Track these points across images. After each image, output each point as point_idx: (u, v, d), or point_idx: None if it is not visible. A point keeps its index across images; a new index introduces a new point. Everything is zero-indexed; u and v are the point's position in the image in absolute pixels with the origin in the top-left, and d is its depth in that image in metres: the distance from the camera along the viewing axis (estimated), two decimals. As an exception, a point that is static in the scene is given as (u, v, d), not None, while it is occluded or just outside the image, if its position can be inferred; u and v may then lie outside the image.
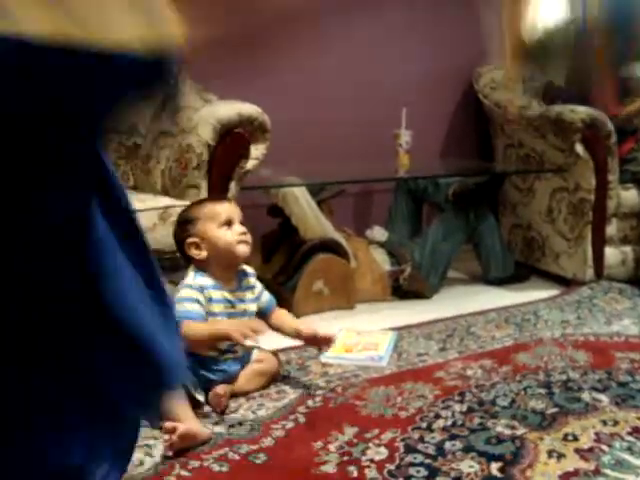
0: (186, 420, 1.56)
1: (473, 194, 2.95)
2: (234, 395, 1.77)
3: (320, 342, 1.90)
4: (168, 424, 1.52)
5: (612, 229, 2.90)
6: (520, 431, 1.60)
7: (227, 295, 1.79)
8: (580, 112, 2.79)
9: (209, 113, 2.06)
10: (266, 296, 1.93)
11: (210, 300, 1.75)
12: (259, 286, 1.91)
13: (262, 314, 1.91)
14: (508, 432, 1.59)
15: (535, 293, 2.86)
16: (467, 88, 3.61)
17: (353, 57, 3.32)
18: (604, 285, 2.87)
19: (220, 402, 1.69)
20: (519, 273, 3.08)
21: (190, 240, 1.76)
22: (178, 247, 1.83)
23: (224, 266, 1.80)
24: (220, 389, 1.70)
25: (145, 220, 1.91)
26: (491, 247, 2.98)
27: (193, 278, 1.77)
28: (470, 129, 3.66)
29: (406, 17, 3.43)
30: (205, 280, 1.76)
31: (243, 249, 1.81)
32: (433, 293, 2.86)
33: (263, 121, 2.09)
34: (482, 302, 2.74)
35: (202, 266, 1.79)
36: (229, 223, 1.77)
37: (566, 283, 2.95)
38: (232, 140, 2.05)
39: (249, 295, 1.86)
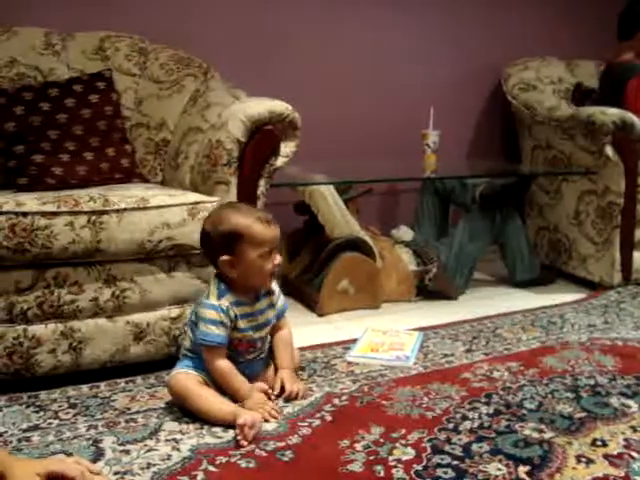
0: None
1: (500, 195, 2.93)
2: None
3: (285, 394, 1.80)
4: (246, 419, 1.54)
5: (640, 234, 2.87)
6: (548, 435, 1.58)
7: (248, 310, 1.76)
8: (611, 114, 2.76)
9: (239, 109, 2.06)
10: (281, 301, 1.88)
11: (236, 317, 1.73)
12: (277, 290, 1.86)
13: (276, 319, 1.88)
14: (536, 435, 1.58)
15: (561, 296, 2.84)
16: (495, 88, 3.60)
17: (382, 56, 3.32)
18: (632, 290, 2.84)
19: (244, 434, 1.55)
20: (545, 276, 3.06)
21: (226, 258, 1.69)
22: (208, 251, 1.77)
23: (248, 288, 1.76)
24: (244, 419, 1.55)
25: (174, 215, 1.91)
26: (517, 249, 2.96)
27: (218, 298, 1.72)
28: (497, 130, 3.65)
29: (435, 15, 3.43)
30: (229, 299, 1.72)
31: (272, 281, 1.80)
32: (459, 294, 2.84)
33: (294, 118, 2.09)
34: (508, 304, 2.72)
35: (227, 280, 1.74)
36: (270, 252, 1.72)
37: (592, 287, 2.93)
38: (262, 137, 2.05)
39: (267, 302, 1.82)
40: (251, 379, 1.76)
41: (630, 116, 2.75)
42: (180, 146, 2.35)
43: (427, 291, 2.81)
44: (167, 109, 2.54)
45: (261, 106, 2.05)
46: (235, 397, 1.70)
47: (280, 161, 2.10)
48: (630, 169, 2.77)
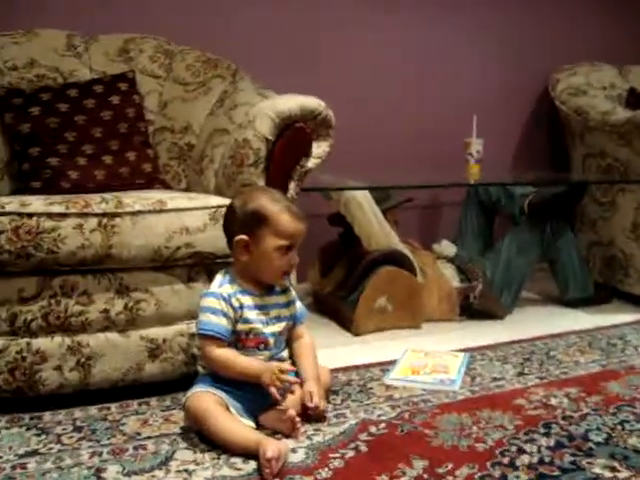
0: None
1: (550, 206, 2.70)
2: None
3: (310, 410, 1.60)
4: (273, 451, 1.34)
5: None
6: (623, 474, 1.35)
7: (258, 300, 1.60)
8: (673, 117, 2.53)
9: (268, 106, 1.88)
10: (299, 304, 1.72)
11: (242, 307, 1.57)
12: (293, 292, 1.71)
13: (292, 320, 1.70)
14: (608, 474, 1.35)
15: (619, 317, 2.60)
16: (541, 95, 3.40)
17: (422, 61, 3.15)
18: (698, 309, 2.59)
19: (271, 467, 1.35)
20: (599, 294, 2.81)
21: (243, 238, 1.57)
22: (227, 227, 1.64)
23: (256, 280, 1.61)
24: (271, 451, 1.35)
25: (194, 220, 1.73)
26: (569, 264, 2.73)
27: (219, 285, 1.59)
28: (544, 139, 3.44)
29: (478, 19, 3.25)
30: (232, 287, 1.58)
31: (283, 280, 1.66)
32: (506, 313, 2.62)
33: (327, 116, 1.90)
34: (560, 324, 2.49)
35: (236, 266, 1.62)
36: (289, 247, 1.58)
37: (654, 306, 2.69)
38: (293, 135, 1.86)
39: (283, 299, 1.67)
40: (267, 397, 1.53)
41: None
42: (205, 149, 2.19)
43: (472, 310, 2.59)
44: (192, 112, 2.38)
45: (292, 102, 1.87)
46: (248, 378, 1.52)
47: (312, 162, 1.91)
48: (696, 177, 2.54)
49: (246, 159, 1.85)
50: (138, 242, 1.67)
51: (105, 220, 1.65)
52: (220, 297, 1.56)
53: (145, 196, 1.78)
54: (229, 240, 1.63)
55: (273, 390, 1.48)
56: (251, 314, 1.58)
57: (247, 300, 1.58)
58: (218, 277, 1.62)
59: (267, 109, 1.88)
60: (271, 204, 1.58)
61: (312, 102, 1.89)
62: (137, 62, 2.46)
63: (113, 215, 1.66)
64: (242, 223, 1.58)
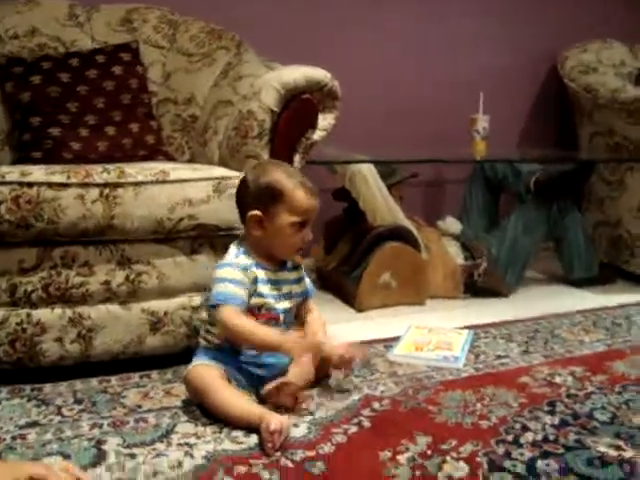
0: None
1: (558, 184, 2.67)
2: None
3: (342, 364, 1.63)
4: (275, 424, 1.33)
5: None
6: (628, 453, 1.34)
7: (271, 275, 1.57)
8: (686, 94, 2.49)
9: (273, 77, 1.85)
10: (308, 280, 1.70)
11: (256, 280, 1.54)
12: (302, 268, 1.69)
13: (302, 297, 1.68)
14: (613, 453, 1.34)
15: (623, 297, 2.58)
16: (549, 73, 3.35)
17: (431, 37, 3.09)
18: None
19: (274, 441, 1.33)
20: (604, 274, 2.79)
21: (256, 213, 1.54)
22: (240, 202, 1.60)
23: (269, 256, 1.58)
24: (274, 424, 1.33)
25: (197, 191, 1.70)
26: (575, 244, 2.70)
27: (235, 256, 1.56)
28: (551, 116, 3.40)
29: (488, -5, 3.19)
30: (248, 259, 1.55)
31: (297, 257, 1.63)
32: (511, 291, 2.59)
33: (333, 87, 1.86)
34: (564, 303, 2.47)
35: (249, 240, 1.58)
36: (303, 224, 1.55)
37: (659, 287, 2.66)
38: (298, 106, 1.82)
39: (294, 275, 1.64)
40: (275, 373, 1.51)
41: None
42: (209, 121, 2.15)
43: (476, 287, 2.57)
44: (196, 83, 2.34)
45: (297, 72, 1.84)
46: (268, 347, 1.50)
47: (317, 135, 1.88)
48: None
49: (250, 131, 1.82)
50: (140, 213, 1.65)
51: (107, 190, 1.62)
52: (238, 267, 1.52)
53: (148, 167, 1.75)
54: (242, 214, 1.59)
55: (306, 359, 1.47)
56: (264, 288, 1.55)
57: (261, 274, 1.56)
58: (232, 248, 1.58)
59: (272, 80, 1.84)
60: (286, 179, 1.54)
61: (318, 73, 1.85)
62: (140, 32, 2.41)
63: (115, 185, 1.63)
64: (255, 198, 1.54)
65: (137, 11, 2.45)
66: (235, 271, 1.52)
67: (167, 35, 2.44)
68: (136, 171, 1.68)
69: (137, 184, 1.65)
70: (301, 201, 1.53)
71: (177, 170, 1.74)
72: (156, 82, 2.37)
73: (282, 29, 2.76)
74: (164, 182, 1.68)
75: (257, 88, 1.87)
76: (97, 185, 1.61)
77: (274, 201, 1.53)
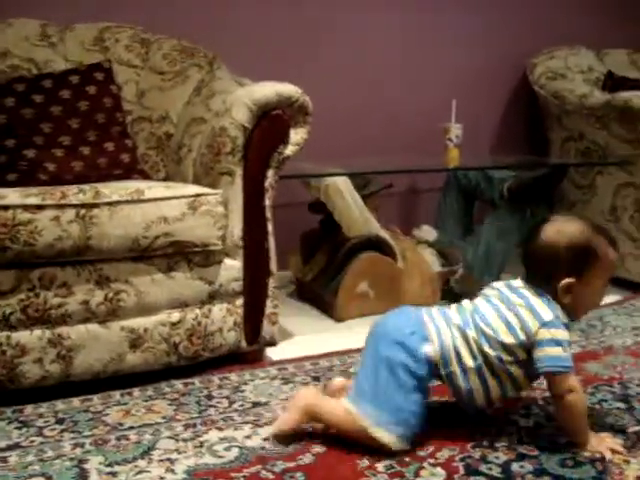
0: None
1: (530, 189, 2.71)
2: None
3: None
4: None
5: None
6: (600, 452, 1.37)
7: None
8: (649, 99, 2.55)
9: (244, 94, 1.87)
10: None
11: None
12: None
13: None
14: (585, 453, 1.37)
15: (598, 298, 2.61)
16: (520, 80, 3.40)
17: (401, 46, 3.13)
18: (677, 289, 2.62)
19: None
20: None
21: (571, 282, 1.39)
22: (548, 266, 1.41)
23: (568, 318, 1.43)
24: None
25: (172, 209, 1.73)
26: (549, 248, 2.74)
27: (555, 316, 1.38)
28: (523, 123, 3.45)
29: (458, 4, 3.23)
30: (563, 317, 1.40)
31: None
32: (487, 296, 2.63)
33: (304, 102, 1.90)
34: (541, 307, 2.50)
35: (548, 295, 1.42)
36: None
37: (632, 287, 2.70)
38: (270, 122, 1.85)
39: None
40: None
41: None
42: (183, 139, 2.17)
43: (453, 293, 2.60)
44: (170, 101, 2.36)
45: (268, 89, 1.87)
46: (578, 439, 1.40)
47: (290, 150, 1.91)
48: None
49: (223, 147, 1.84)
50: (116, 232, 1.67)
51: (83, 211, 1.64)
52: (567, 328, 1.39)
53: (123, 186, 1.77)
54: (549, 280, 1.41)
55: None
56: None
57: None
58: (543, 302, 1.40)
59: (244, 97, 1.87)
60: (596, 238, 1.41)
61: (289, 89, 1.88)
62: (113, 52, 2.43)
63: (91, 206, 1.65)
64: (569, 264, 1.39)
65: (109, 30, 2.47)
66: (565, 332, 1.38)
67: (140, 54, 2.46)
68: (111, 191, 1.70)
69: (112, 204, 1.67)
70: (613, 259, 1.42)
71: (152, 189, 1.76)
72: (131, 101, 2.38)
73: (255, 45, 2.79)
74: (139, 201, 1.70)
75: (229, 105, 1.89)
76: (73, 206, 1.63)
77: (590, 265, 1.39)
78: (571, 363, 1.37)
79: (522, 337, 1.37)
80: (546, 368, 1.36)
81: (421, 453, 1.38)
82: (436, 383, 1.47)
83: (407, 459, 1.36)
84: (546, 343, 1.35)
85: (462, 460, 1.36)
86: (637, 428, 1.48)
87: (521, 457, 1.36)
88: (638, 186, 2.66)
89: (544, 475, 1.29)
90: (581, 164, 2.91)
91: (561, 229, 1.42)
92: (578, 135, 2.92)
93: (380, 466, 1.33)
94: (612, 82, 3.14)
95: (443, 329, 1.42)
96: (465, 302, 1.50)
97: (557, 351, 1.35)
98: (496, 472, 1.31)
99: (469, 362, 1.39)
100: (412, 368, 1.37)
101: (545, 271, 1.41)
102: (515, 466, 1.33)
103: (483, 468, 1.32)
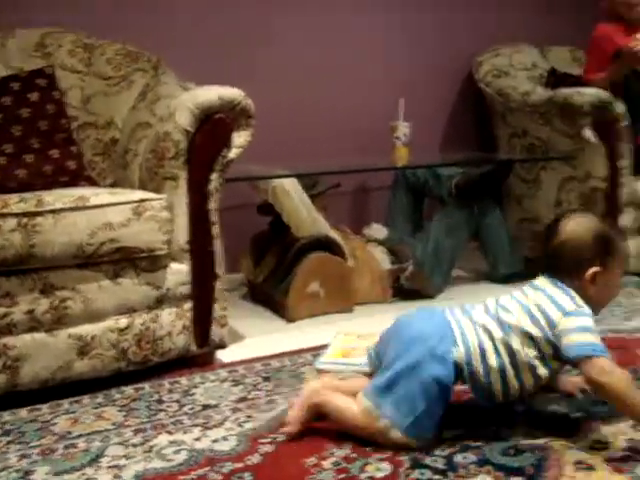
0: None
1: (477, 186, 2.77)
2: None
3: None
4: None
5: (627, 219, 2.72)
6: (541, 440, 1.41)
7: None
8: (588, 94, 2.62)
9: (187, 98, 1.88)
10: None
11: None
12: None
13: None
14: (527, 442, 1.41)
15: (547, 290, 2.67)
16: (467, 77, 3.46)
17: (347, 45, 3.16)
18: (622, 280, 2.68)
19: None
20: (529, 269, 2.89)
21: (598, 270, 1.41)
22: (573, 258, 1.42)
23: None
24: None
25: (116, 215, 1.72)
26: (498, 242, 2.81)
27: (578, 304, 1.39)
28: (471, 120, 3.50)
29: (404, 1, 3.27)
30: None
31: None
32: (437, 292, 2.67)
33: (246, 105, 1.91)
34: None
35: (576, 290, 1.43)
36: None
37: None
38: (212, 126, 1.86)
39: None
40: None
41: (607, 95, 2.61)
42: (129, 144, 2.17)
43: (403, 290, 2.64)
44: (116, 106, 2.35)
45: (211, 93, 1.88)
46: (635, 417, 1.37)
47: (233, 152, 1.92)
48: (612, 151, 2.63)
49: (167, 152, 1.84)
50: (61, 240, 1.66)
51: (25, 220, 1.63)
52: (593, 316, 1.40)
53: (67, 193, 1.76)
54: (576, 271, 1.42)
55: None
56: None
57: None
58: (565, 294, 1.41)
59: (187, 101, 1.88)
60: (612, 229, 1.48)
61: (231, 92, 1.89)
62: (56, 57, 2.41)
63: (34, 214, 1.64)
64: (594, 253, 1.42)
65: (51, 35, 2.45)
66: (592, 320, 1.39)
67: (83, 59, 2.44)
68: (54, 198, 1.69)
69: (56, 211, 1.66)
70: (625, 251, 1.50)
71: (96, 195, 1.75)
72: (76, 107, 2.37)
73: (199, 48, 2.79)
74: (83, 208, 1.70)
75: (173, 109, 1.90)
76: (15, 215, 1.62)
77: (610, 254, 1.43)
78: (602, 347, 1.35)
79: (546, 329, 1.38)
80: (576, 354, 1.34)
81: (367, 449, 1.40)
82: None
83: (354, 455, 1.38)
84: (572, 331, 1.36)
85: (407, 454, 1.38)
86: (577, 415, 1.52)
87: (465, 449, 1.39)
88: (581, 180, 2.73)
89: (487, 465, 1.32)
90: (526, 160, 2.98)
91: (580, 223, 1.46)
92: (522, 131, 2.98)
93: (326, 463, 1.35)
94: (555, 79, 3.21)
95: (467, 329, 1.43)
96: (489, 300, 1.51)
97: (585, 337, 1.35)
98: (441, 464, 1.34)
99: (493, 361, 1.40)
100: (441, 377, 1.38)
101: (572, 263, 1.43)
102: (459, 457, 1.36)
103: (428, 461, 1.35)
